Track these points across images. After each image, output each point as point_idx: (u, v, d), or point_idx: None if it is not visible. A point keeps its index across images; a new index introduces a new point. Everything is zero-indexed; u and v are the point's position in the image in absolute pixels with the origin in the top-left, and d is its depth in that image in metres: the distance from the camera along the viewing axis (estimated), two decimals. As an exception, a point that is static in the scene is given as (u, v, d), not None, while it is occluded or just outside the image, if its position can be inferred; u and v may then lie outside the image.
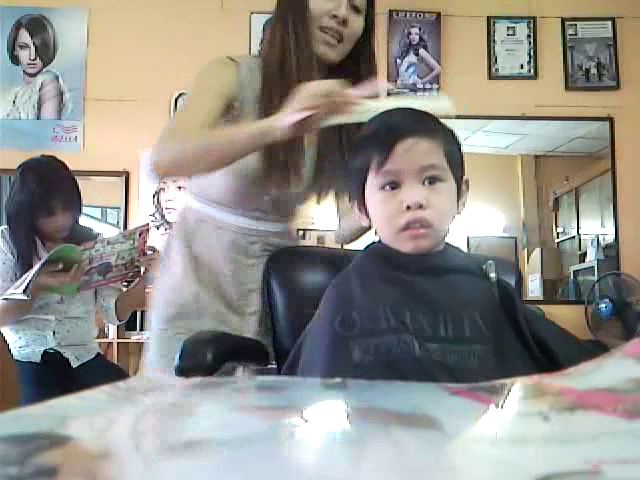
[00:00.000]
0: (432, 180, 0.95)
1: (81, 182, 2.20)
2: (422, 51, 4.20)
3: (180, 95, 3.89)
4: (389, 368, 0.85)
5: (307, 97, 1.05)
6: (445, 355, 0.85)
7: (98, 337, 2.49)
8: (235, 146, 1.13)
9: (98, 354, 2.30)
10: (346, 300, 0.94)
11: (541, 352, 0.91)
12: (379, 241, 1.03)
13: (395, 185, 0.95)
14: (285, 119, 1.06)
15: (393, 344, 0.86)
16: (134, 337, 3.93)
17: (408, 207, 0.93)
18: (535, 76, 4.19)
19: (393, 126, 0.96)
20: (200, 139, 1.16)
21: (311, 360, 0.93)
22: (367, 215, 1.03)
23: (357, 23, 1.28)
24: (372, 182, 0.98)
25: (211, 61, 1.29)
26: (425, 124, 0.98)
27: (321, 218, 3.99)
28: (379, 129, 0.98)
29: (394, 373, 0.83)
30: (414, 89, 4.17)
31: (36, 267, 1.85)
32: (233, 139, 1.14)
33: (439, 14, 4.20)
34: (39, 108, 4.06)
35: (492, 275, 0.98)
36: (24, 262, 2.05)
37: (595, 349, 0.97)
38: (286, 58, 1.25)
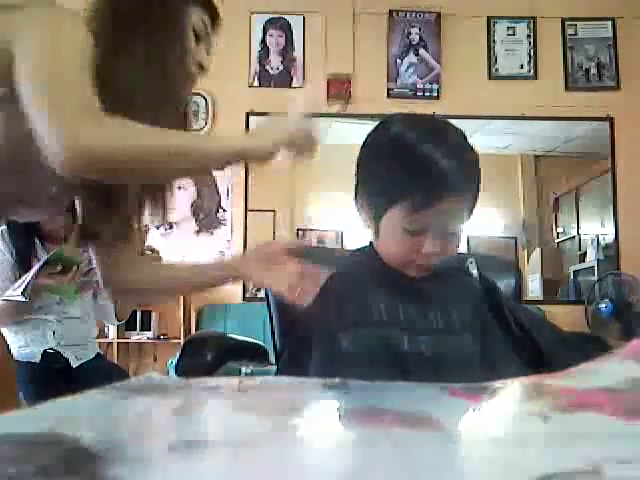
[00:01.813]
0: (452, 234, 0.96)
1: (81, 182, 2.20)
2: (422, 51, 4.20)
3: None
4: (378, 358, 0.90)
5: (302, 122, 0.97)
6: (437, 345, 0.92)
7: (98, 337, 2.49)
8: (206, 158, 0.92)
9: (98, 354, 2.30)
10: (339, 296, 0.98)
11: (526, 337, 1.00)
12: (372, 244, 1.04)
13: (419, 231, 0.94)
14: (275, 141, 0.94)
15: (383, 336, 0.91)
16: (134, 337, 3.94)
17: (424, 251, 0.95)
18: (535, 76, 4.19)
19: (444, 180, 0.90)
20: (152, 131, 0.88)
21: (304, 354, 0.96)
22: (374, 225, 1.00)
23: None
24: (397, 219, 0.94)
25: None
26: (471, 174, 0.95)
27: (321, 218, 4.00)
28: (427, 172, 0.90)
29: (383, 364, 0.88)
30: (414, 89, 4.17)
31: (35, 269, 1.85)
32: (205, 148, 0.92)
33: (439, 14, 4.20)
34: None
35: (474, 272, 1.06)
36: (23, 263, 2.05)
37: (578, 340, 1.04)
38: None
